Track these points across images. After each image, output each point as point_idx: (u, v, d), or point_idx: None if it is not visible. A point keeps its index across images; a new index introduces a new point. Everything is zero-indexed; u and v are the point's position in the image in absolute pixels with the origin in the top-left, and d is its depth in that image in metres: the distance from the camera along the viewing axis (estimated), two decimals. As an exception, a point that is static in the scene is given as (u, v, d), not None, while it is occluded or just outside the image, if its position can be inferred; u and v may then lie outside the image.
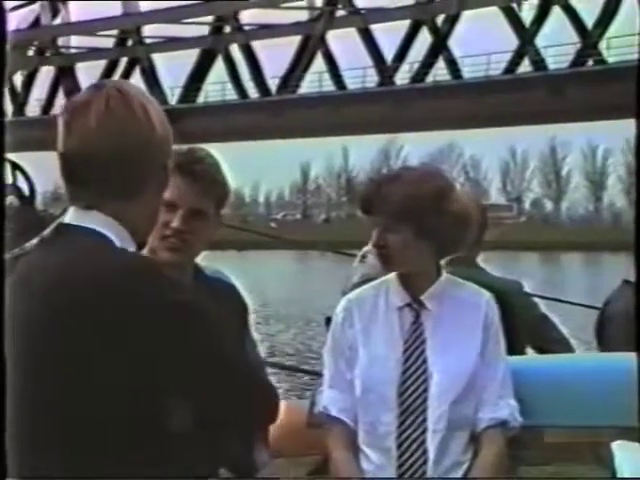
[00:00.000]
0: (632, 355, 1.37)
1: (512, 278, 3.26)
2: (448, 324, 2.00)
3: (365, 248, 3.51)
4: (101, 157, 1.21)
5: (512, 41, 36.41)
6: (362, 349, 1.99)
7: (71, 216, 1.23)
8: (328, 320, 3.46)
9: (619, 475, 1.64)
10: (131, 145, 1.24)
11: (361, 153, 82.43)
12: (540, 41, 36.07)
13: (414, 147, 72.87)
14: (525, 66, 35.93)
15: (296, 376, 9.40)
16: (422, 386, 1.95)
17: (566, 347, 3.12)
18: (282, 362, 10.52)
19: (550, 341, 3.09)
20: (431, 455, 1.92)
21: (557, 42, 36.10)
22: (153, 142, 1.27)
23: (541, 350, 3.10)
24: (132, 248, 1.25)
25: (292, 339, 14.71)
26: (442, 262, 2.10)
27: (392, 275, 2.06)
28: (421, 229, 1.96)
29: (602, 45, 33.88)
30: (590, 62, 33.97)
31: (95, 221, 1.21)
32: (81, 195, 1.23)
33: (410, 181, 1.99)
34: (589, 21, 34.73)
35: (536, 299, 3.50)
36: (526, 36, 35.91)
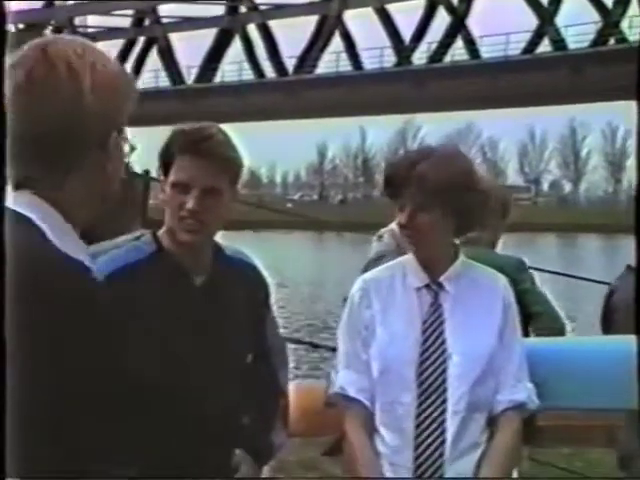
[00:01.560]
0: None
1: (513, 255, 3.32)
2: (467, 306, 2.00)
3: (383, 229, 3.53)
4: (18, 133, 1.08)
5: (531, 20, 36.07)
6: (380, 329, 1.99)
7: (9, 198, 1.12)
8: (346, 300, 3.49)
9: None
10: (47, 118, 1.09)
11: (378, 133, 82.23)
12: (560, 20, 35.71)
13: (432, 128, 72.54)
14: (545, 46, 35.58)
15: (310, 355, 9.43)
16: (441, 367, 1.94)
17: (546, 322, 3.11)
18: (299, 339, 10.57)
19: (527, 315, 3.10)
20: (450, 436, 1.92)
21: (577, 21, 35.69)
22: (80, 113, 1.11)
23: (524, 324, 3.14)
24: (67, 230, 1.14)
25: (310, 317, 14.75)
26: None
27: (409, 256, 2.05)
28: (450, 208, 1.95)
29: (624, 24, 33.47)
30: (611, 41, 33.57)
31: (21, 203, 1.11)
32: (14, 174, 1.13)
33: (441, 160, 1.97)
34: (609, -1, 34.30)
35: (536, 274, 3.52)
36: (545, 15, 35.52)
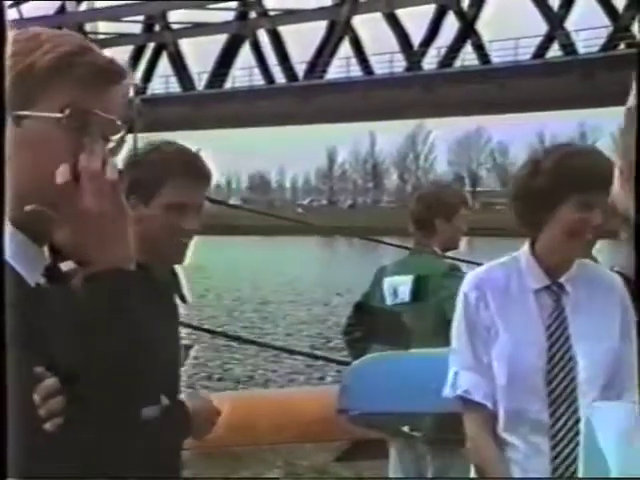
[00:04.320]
0: None
1: (448, 262, 3.38)
2: (588, 307, 1.91)
3: None
4: None
5: (541, 25, 36.03)
6: (503, 333, 1.90)
7: None
8: (357, 306, 3.49)
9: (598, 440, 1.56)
10: None
11: (388, 138, 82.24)
12: (570, 25, 35.66)
13: (441, 132, 72.46)
14: (555, 50, 35.53)
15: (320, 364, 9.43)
16: (570, 374, 1.86)
17: None
18: (305, 348, 10.56)
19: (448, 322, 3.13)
20: None
21: (587, 26, 35.64)
22: None
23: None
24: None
25: (319, 324, 14.75)
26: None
27: (522, 255, 1.95)
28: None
29: (635, 28, 33.37)
30: (622, 45, 33.49)
31: None
32: None
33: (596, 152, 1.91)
34: (620, 3, 34.24)
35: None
36: (555, 20, 35.48)
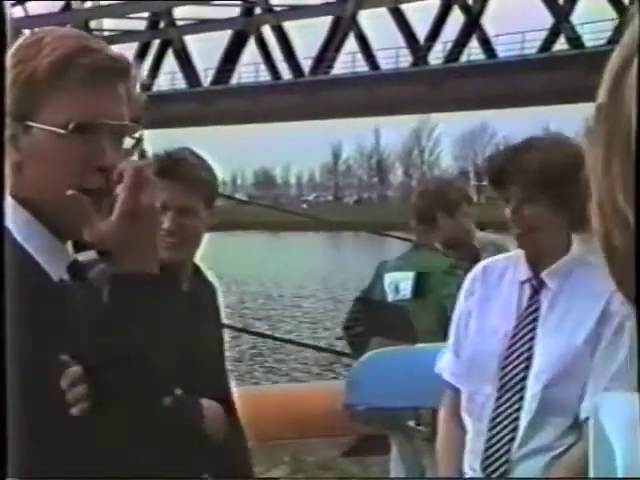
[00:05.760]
0: None
1: (448, 259, 3.36)
2: (565, 305, 1.91)
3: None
4: None
5: (547, 18, 35.91)
6: (476, 319, 1.98)
7: None
8: (358, 301, 3.49)
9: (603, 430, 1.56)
10: None
11: (393, 134, 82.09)
12: (576, 18, 35.55)
13: (446, 127, 72.29)
14: (561, 44, 35.42)
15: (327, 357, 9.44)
16: (524, 364, 1.90)
17: None
18: (310, 341, 10.57)
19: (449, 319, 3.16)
20: (520, 434, 1.87)
21: (593, 19, 35.53)
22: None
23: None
24: (32, 226, 1.13)
25: (326, 319, 14.77)
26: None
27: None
28: (558, 199, 1.87)
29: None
30: (628, 39, 33.36)
31: None
32: None
33: (545, 148, 1.90)
34: (626, -3, 34.13)
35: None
36: (561, 13, 35.37)
